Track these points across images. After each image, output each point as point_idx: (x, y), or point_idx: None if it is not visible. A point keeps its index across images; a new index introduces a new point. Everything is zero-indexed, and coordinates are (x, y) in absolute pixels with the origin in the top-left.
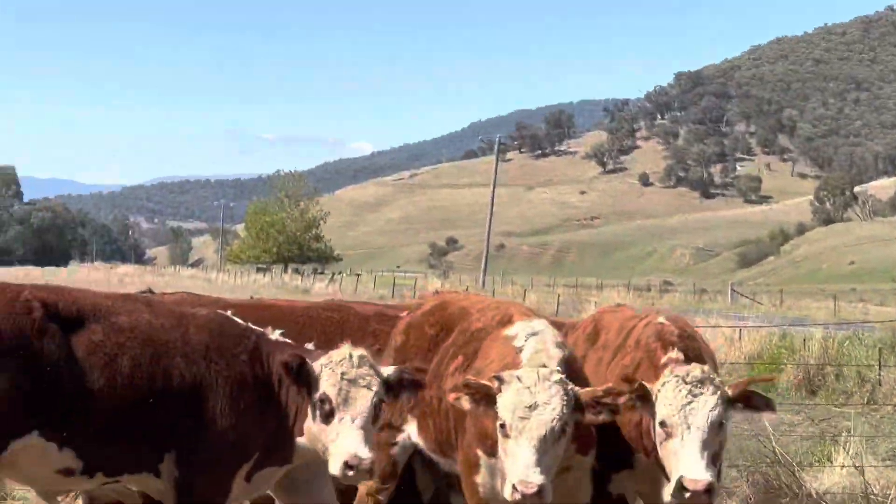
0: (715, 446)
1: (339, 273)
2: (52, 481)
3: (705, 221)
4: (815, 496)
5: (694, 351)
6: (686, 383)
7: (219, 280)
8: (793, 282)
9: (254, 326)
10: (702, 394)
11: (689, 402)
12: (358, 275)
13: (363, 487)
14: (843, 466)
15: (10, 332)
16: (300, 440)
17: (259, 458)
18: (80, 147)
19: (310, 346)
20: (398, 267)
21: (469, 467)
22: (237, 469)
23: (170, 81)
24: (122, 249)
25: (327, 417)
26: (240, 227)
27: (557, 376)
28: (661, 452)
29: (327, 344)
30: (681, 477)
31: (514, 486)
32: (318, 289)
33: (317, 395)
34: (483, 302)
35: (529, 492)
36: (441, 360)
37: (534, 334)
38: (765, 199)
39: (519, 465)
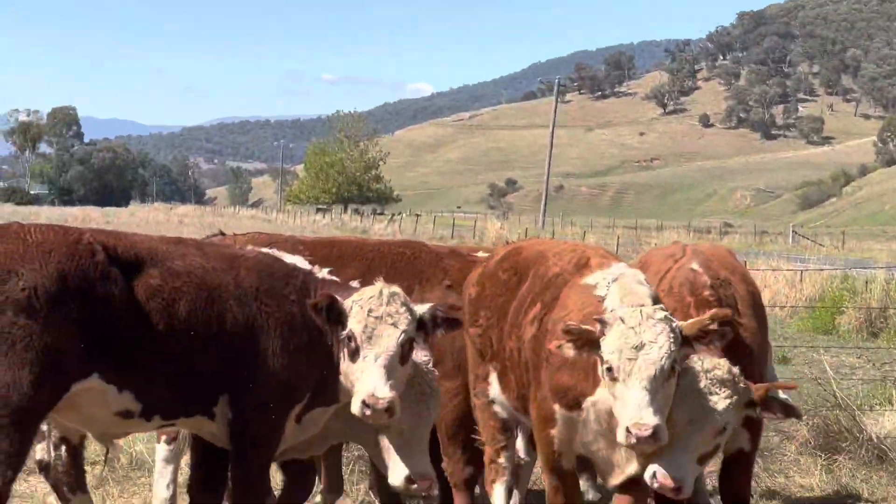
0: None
1: (399, 214)
2: (110, 424)
3: (766, 163)
4: (875, 440)
5: (728, 300)
6: (708, 379)
7: (278, 220)
8: (854, 223)
9: (299, 265)
10: (719, 392)
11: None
12: (417, 215)
13: (488, 450)
14: None
15: (75, 275)
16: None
17: (310, 399)
18: (141, 88)
19: (378, 281)
20: (458, 208)
21: (543, 421)
22: (290, 410)
23: (231, 22)
24: (181, 190)
25: (353, 355)
26: (299, 168)
27: (661, 313)
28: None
29: (395, 279)
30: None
31: (627, 430)
32: (378, 229)
33: (344, 333)
34: (559, 245)
35: (644, 434)
36: (519, 308)
37: (615, 280)
38: (827, 141)
39: (631, 407)
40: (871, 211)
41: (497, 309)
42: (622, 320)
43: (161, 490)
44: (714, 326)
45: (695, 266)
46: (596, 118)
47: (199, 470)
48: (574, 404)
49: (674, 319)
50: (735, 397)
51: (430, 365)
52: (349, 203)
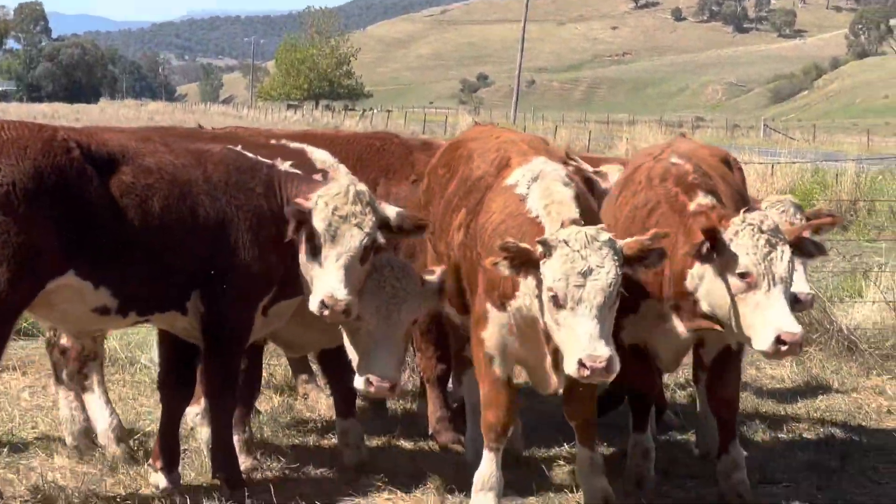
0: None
1: (370, 109)
2: (87, 320)
3: (738, 57)
4: (845, 331)
5: (713, 189)
6: (762, 232)
7: (249, 117)
8: (826, 117)
9: (265, 160)
10: (780, 241)
11: (770, 252)
12: (389, 111)
13: (453, 344)
14: (874, 301)
15: (51, 172)
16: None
17: (277, 291)
18: None
19: (346, 175)
20: (431, 103)
21: (476, 322)
22: (259, 302)
23: None
24: (152, 87)
25: (314, 252)
26: (270, 64)
27: (605, 235)
28: (738, 305)
29: (362, 171)
30: (777, 330)
31: (580, 362)
32: (349, 125)
33: (309, 229)
34: (489, 142)
35: (600, 366)
36: (446, 210)
37: (535, 178)
38: (799, 34)
39: (582, 338)
40: (842, 104)
41: (437, 207)
42: (566, 243)
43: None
44: (654, 245)
45: (674, 159)
46: (568, 12)
47: (169, 368)
48: (501, 305)
49: (616, 240)
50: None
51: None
52: (320, 99)
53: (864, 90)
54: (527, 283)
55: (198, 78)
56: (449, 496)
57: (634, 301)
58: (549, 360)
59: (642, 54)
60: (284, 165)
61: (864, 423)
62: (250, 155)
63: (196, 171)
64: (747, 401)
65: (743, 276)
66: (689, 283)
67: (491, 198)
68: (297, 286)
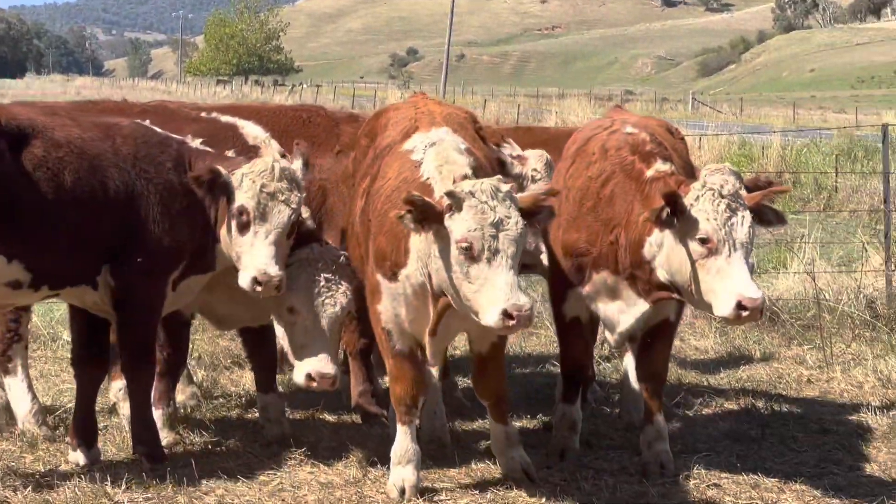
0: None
1: (299, 84)
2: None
3: (667, 30)
4: (767, 302)
5: (669, 157)
6: (723, 197)
7: (178, 92)
8: (753, 90)
9: (175, 136)
10: (739, 207)
11: (730, 218)
12: (318, 86)
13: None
14: (796, 273)
15: None
16: (219, 247)
17: (186, 266)
18: None
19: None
20: (361, 78)
21: (370, 295)
22: (169, 275)
23: None
24: (79, 61)
25: (243, 229)
26: (199, 39)
27: (506, 186)
28: (698, 270)
29: (287, 143)
30: (738, 295)
31: (504, 313)
32: (278, 100)
33: (235, 206)
34: (406, 112)
35: (525, 315)
36: (359, 180)
37: (432, 144)
38: (726, 7)
39: (502, 289)
40: (769, 78)
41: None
42: (472, 195)
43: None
44: (547, 201)
45: (629, 129)
46: None
47: (81, 344)
48: (392, 274)
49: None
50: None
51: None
52: (250, 74)
53: (791, 64)
54: (417, 247)
55: (126, 53)
56: (371, 469)
57: (584, 273)
58: (427, 330)
59: (571, 28)
60: (195, 142)
61: (784, 393)
62: (159, 130)
63: (105, 143)
64: (671, 371)
65: (703, 241)
66: (647, 252)
67: (388, 163)
68: (207, 262)
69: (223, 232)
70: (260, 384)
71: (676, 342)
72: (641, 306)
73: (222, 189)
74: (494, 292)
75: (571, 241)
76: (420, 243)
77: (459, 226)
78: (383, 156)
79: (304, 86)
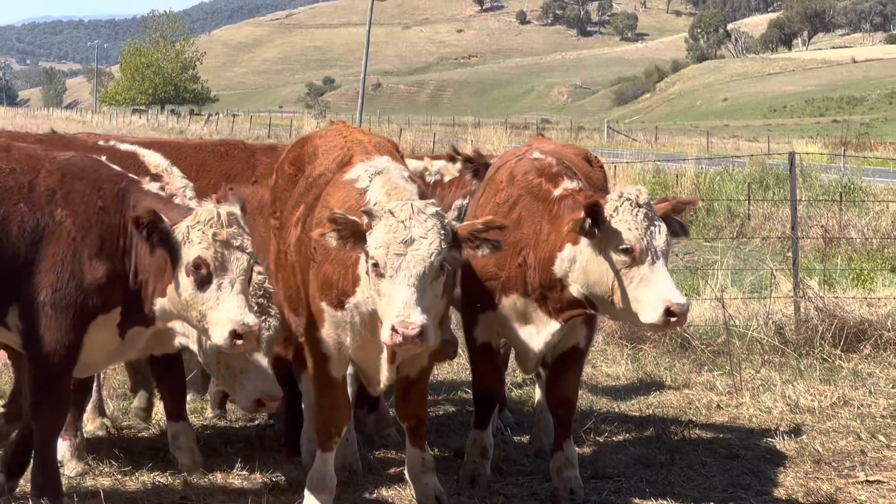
0: None
1: (216, 114)
2: None
3: (582, 59)
4: (678, 328)
5: (577, 178)
6: (640, 206)
7: (94, 122)
8: (668, 119)
9: (129, 175)
10: (655, 217)
11: (649, 226)
12: (234, 115)
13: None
14: (707, 299)
15: None
16: (164, 302)
17: (125, 314)
18: None
19: (180, 178)
20: (280, 107)
21: (312, 322)
22: (86, 321)
23: None
24: None
25: (203, 284)
26: (115, 69)
27: (433, 209)
28: (620, 281)
29: (204, 177)
30: (665, 302)
31: (393, 328)
32: (195, 129)
33: (190, 260)
34: (334, 140)
35: (411, 333)
36: (286, 210)
37: (378, 173)
38: (640, 37)
39: (396, 305)
40: (683, 107)
41: (284, 203)
42: (391, 213)
43: None
44: (486, 234)
45: (536, 155)
46: (413, 15)
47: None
48: (338, 303)
49: (445, 216)
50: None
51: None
52: (166, 104)
53: (704, 93)
54: (366, 277)
55: (40, 83)
56: (282, 496)
57: (494, 297)
58: (385, 353)
59: (488, 57)
60: (152, 185)
61: (694, 418)
62: (112, 168)
63: (24, 177)
64: (582, 398)
65: (626, 251)
66: (558, 268)
67: (329, 192)
68: (147, 314)
69: (173, 290)
70: (169, 413)
71: (588, 369)
72: (553, 326)
73: (162, 237)
74: (389, 308)
75: (480, 266)
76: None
77: (371, 242)
78: (321, 184)
79: (221, 115)
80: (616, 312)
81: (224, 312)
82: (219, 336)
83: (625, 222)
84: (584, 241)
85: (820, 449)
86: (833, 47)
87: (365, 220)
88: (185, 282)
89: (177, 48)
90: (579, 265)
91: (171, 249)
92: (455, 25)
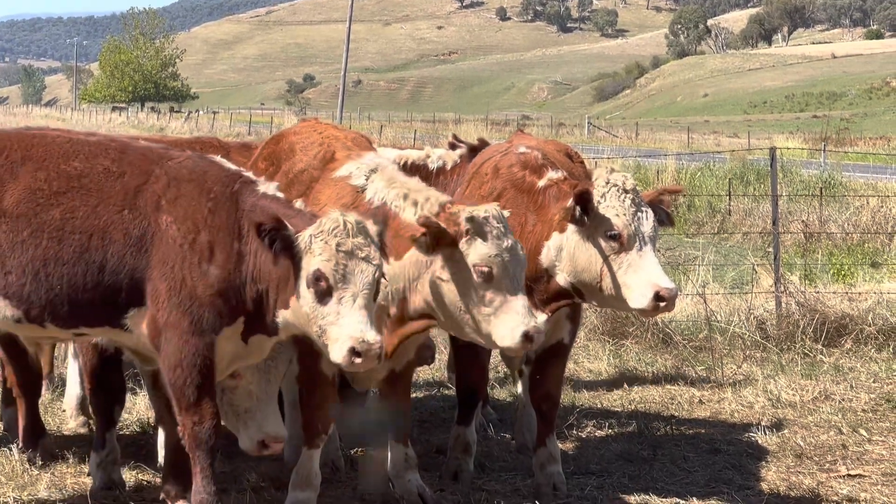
0: None
1: (196, 111)
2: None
3: (563, 56)
4: (660, 325)
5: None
6: (626, 192)
7: (73, 119)
8: (648, 115)
9: (245, 174)
10: (642, 202)
11: (636, 212)
12: (215, 112)
13: None
14: (689, 295)
15: None
16: (287, 315)
17: (248, 321)
18: None
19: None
20: (262, 104)
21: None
22: (211, 330)
23: None
24: None
25: (323, 297)
26: (94, 66)
27: (507, 212)
28: (609, 267)
29: None
30: (654, 286)
31: (525, 335)
32: (175, 127)
33: (310, 272)
34: (310, 137)
35: (541, 338)
36: None
37: (374, 170)
38: (621, 33)
39: (520, 311)
40: (663, 103)
41: None
42: (487, 220)
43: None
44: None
45: (521, 149)
46: (393, 12)
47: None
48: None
49: None
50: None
51: None
52: (146, 101)
53: (685, 89)
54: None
55: (19, 80)
56: (265, 493)
57: None
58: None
59: (468, 54)
60: (269, 187)
61: (676, 414)
62: (225, 166)
63: (133, 180)
64: (564, 393)
65: (614, 237)
66: (545, 258)
67: (319, 189)
68: (270, 323)
69: (293, 302)
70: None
71: (570, 364)
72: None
73: (285, 245)
74: (514, 315)
75: None
76: (404, 267)
77: (479, 250)
78: (305, 181)
79: (201, 112)
80: (604, 299)
81: (344, 328)
82: (337, 354)
83: (612, 208)
84: (570, 228)
85: (802, 443)
86: (813, 43)
87: (465, 226)
88: (307, 294)
89: (156, 45)
90: (566, 253)
91: (294, 259)
92: (435, 22)
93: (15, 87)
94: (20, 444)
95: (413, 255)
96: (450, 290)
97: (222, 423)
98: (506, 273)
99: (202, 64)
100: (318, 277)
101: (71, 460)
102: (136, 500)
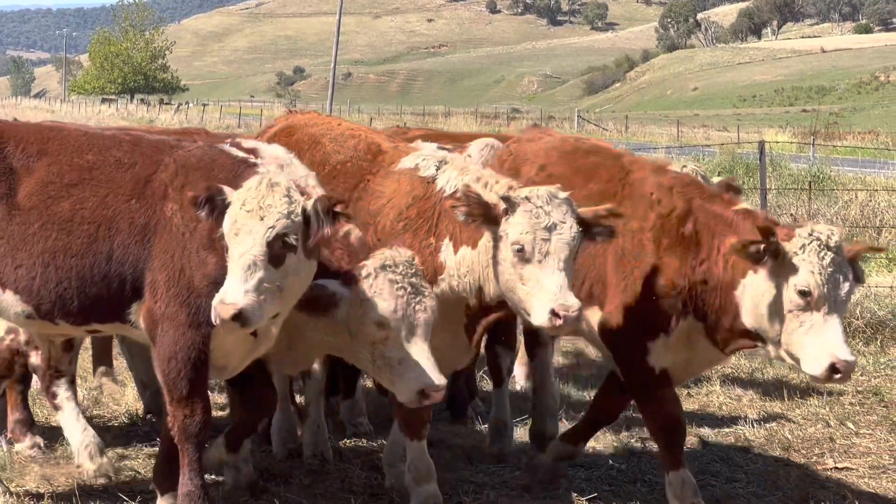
0: None
1: (186, 103)
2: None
3: (553, 49)
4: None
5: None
6: (829, 249)
7: (62, 111)
8: (638, 108)
9: (251, 161)
10: (843, 263)
11: (834, 273)
12: (204, 104)
13: None
14: None
15: None
16: None
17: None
18: None
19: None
20: (252, 97)
21: None
22: (210, 321)
23: None
24: None
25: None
26: (84, 58)
27: (564, 194)
28: (791, 322)
29: None
30: (832, 357)
31: (553, 312)
32: (164, 119)
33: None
34: (332, 129)
35: (572, 315)
36: None
37: (444, 161)
38: (611, 27)
39: (552, 289)
40: (653, 96)
41: None
42: (528, 199)
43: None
44: (607, 220)
45: (682, 167)
46: (383, 5)
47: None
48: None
49: (572, 201)
50: None
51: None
52: (135, 93)
53: (675, 82)
54: (469, 259)
55: (8, 72)
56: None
57: (669, 320)
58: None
59: (458, 46)
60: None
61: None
62: (224, 156)
63: (143, 172)
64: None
65: (804, 293)
66: (739, 294)
67: (378, 182)
68: None
69: (494, 260)
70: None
71: (558, 358)
72: (714, 356)
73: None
74: (544, 293)
75: (658, 283)
76: (479, 255)
77: (514, 228)
78: (353, 172)
79: (191, 104)
80: (778, 352)
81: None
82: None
83: (809, 263)
84: (763, 272)
85: (789, 436)
86: (802, 37)
87: (502, 204)
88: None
89: (146, 37)
90: (754, 292)
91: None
92: (425, 15)
93: (4, 79)
94: (8, 436)
95: (484, 241)
96: (501, 271)
97: (376, 379)
98: (541, 251)
99: (192, 56)
100: (220, 236)
101: (59, 452)
102: (125, 492)
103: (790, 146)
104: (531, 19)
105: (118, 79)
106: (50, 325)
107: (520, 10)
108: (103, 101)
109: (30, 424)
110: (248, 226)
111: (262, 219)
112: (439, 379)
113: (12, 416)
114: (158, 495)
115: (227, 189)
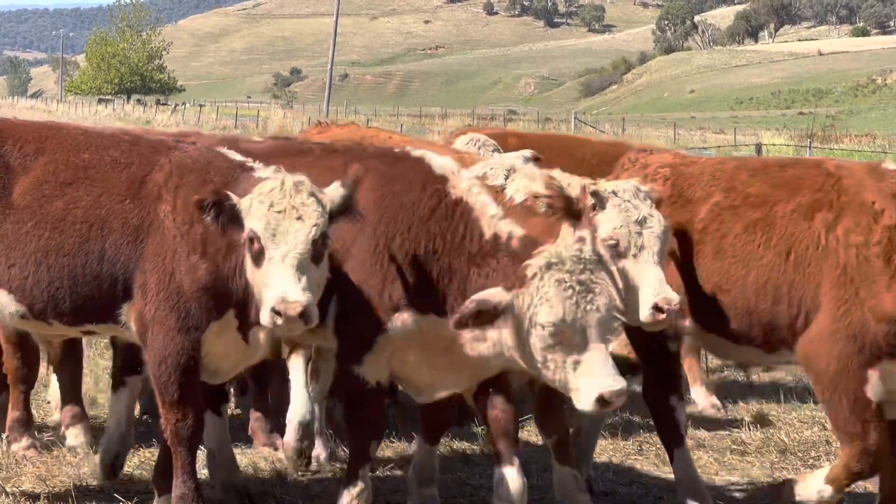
0: None
1: (182, 104)
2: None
3: (550, 51)
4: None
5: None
6: None
7: (59, 111)
8: (635, 110)
9: (248, 164)
10: None
11: None
12: (201, 105)
13: None
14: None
15: None
16: None
17: (240, 316)
18: None
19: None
20: (249, 97)
21: None
22: (199, 324)
23: None
24: None
25: (258, 258)
26: (81, 58)
27: (647, 187)
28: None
29: None
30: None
31: (656, 307)
32: (161, 119)
33: (244, 234)
34: (378, 137)
35: (675, 308)
36: None
37: (512, 169)
38: (608, 29)
39: (654, 282)
40: (650, 98)
41: None
42: (615, 194)
43: None
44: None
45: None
46: (380, 6)
47: None
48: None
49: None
50: None
51: None
52: (132, 94)
53: (671, 84)
54: None
55: (5, 72)
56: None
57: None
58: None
59: (455, 48)
60: (263, 173)
61: None
62: (221, 158)
63: (138, 172)
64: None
65: None
66: None
67: None
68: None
69: (247, 271)
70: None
71: None
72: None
73: (230, 216)
74: (645, 287)
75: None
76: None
77: (606, 223)
78: None
79: (187, 105)
80: None
81: (269, 290)
82: (263, 315)
83: None
84: None
85: (786, 439)
86: (799, 40)
87: (590, 199)
88: (246, 260)
89: (143, 37)
90: None
91: (240, 226)
92: (422, 16)
93: (0, 79)
94: (6, 434)
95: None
96: None
97: (551, 386)
98: (636, 244)
99: (189, 56)
100: (251, 238)
101: (56, 452)
102: (121, 492)
103: (787, 149)
104: (528, 21)
105: (115, 79)
106: (44, 326)
107: (517, 12)
108: (100, 101)
109: (28, 424)
110: (285, 226)
111: (299, 218)
112: (619, 382)
113: (12, 414)
114: (156, 496)
115: (232, 195)
